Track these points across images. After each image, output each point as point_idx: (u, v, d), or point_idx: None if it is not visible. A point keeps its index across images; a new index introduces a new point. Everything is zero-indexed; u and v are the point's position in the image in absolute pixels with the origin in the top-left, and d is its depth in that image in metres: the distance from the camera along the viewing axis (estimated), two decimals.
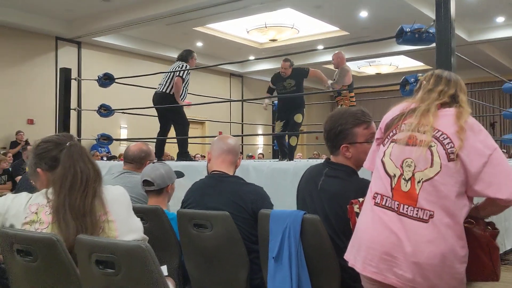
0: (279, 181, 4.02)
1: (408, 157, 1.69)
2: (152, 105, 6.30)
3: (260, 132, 13.92)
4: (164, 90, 5.99)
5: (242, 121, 14.24)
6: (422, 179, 1.65)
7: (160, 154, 6.23)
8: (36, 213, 1.65)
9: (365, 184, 1.99)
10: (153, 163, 2.76)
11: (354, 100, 6.82)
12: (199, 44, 12.64)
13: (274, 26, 10.75)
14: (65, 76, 6.56)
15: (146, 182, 2.62)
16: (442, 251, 1.60)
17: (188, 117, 6.26)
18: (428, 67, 13.92)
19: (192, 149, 11.32)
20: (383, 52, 12.60)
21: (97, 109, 6.40)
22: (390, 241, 1.64)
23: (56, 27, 10.79)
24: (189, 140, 7.74)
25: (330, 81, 6.82)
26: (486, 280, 1.86)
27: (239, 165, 2.53)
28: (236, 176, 2.43)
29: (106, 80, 6.38)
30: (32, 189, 1.80)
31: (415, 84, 3.92)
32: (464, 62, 4.26)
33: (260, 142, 14.49)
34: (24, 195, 1.73)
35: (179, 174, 2.82)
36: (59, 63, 10.98)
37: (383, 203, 1.70)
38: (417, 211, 1.63)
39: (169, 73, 6.04)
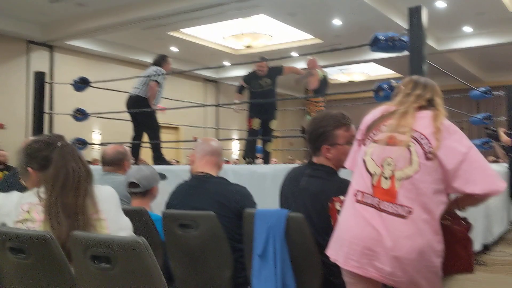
0: (259, 184, 4.10)
1: (389, 156, 1.79)
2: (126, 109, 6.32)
3: (235, 137, 13.97)
4: (138, 94, 5.98)
5: (218, 127, 14.27)
6: (401, 177, 1.75)
7: (135, 158, 6.23)
8: (28, 211, 1.68)
9: (345, 183, 2.09)
10: (138, 164, 2.79)
11: (321, 105, 6.92)
12: (174, 49, 12.64)
13: (250, 33, 10.84)
14: (39, 80, 6.51)
15: (131, 184, 2.65)
16: (420, 246, 1.70)
17: (162, 123, 6.28)
18: (399, 74, 14.24)
19: (166, 154, 11.31)
20: (355, 59, 12.85)
21: (72, 113, 6.37)
22: (371, 236, 1.73)
23: (28, 31, 10.64)
24: (164, 145, 7.75)
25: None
26: (462, 272, 1.97)
27: (222, 166, 2.59)
28: (220, 176, 2.49)
29: (81, 84, 6.36)
30: (12, 189, 1.83)
31: (389, 90, 4.07)
32: (434, 70, 4.42)
33: (236, 148, 14.53)
34: (15, 194, 1.75)
35: (162, 176, 2.86)
36: (31, 67, 10.82)
37: (364, 200, 1.79)
38: (397, 207, 1.73)
39: (144, 77, 6.05)
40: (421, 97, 1.91)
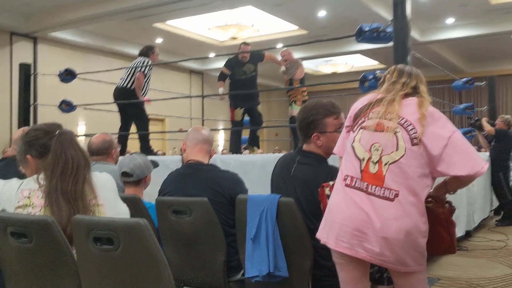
0: (247, 173, 4.16)
1: (376, 142, 1.87)
2: (113, 101, 6.32)
3: (221, 127, 14.00)
4: (124, 85, 5.99)
5: (203, 117, 14.29)
6: (388, 161, 1.83)
7: (123, 150, 6.25)
8: (28, 197, 1.73)
9: (334, 170, 2.17)
10: (130, 154, 2.83)
11: (306, 94, 7.00)
12: (159, 40, 12.59)
13: (235, 24, 10.85)
14: (24, 72, 6.49)
15: (124, 174, 2.69)
16: (407, 227, 1.79)
17: (148, 114, 6.30)
18: (383, 65, 14.39)
19: (154, 145, 11.31)
20: (340, 51, 12.94)
21: (58, 104, 6.36)
22: (361, 218, 1.82)
23: (11, 22, 10.49)
24: (151, 137, 7.76)
25: (283, 68, 6.94)
26: (445, 253, 2.08)
27: (213, 154, 2.65)
28: (211, 164, 2.55)
29: (67, 75, 6.34)
30: (6, 176, 1.87)
31: (374, 80, 4.16)
32: (417, 61, 4.51)
33: (222, 138, 14.57)
34: (14, 181, 1.80)
35: (154, 164, 2.91)
36: (14, 58, 10.70)
37: (353, 184, 1.88)
38: (384, 190, 1.81)
39: (131, 68, 6.05)
40: (407, 84, 1.99)
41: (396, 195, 1.80)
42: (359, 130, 1.95)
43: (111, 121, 10.67)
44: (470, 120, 7.47)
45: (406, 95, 1.97)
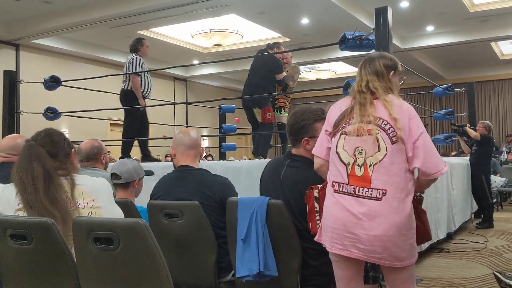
0: (233, 178, 4.23)
1: (359, 145, 1.98)
2: (93, 109, 6.38)
3: (205, 134, 14.03)
4: (125, 88, 6.05)
5: (187, 124, 14.31)
6: (373, 162, 1.94)
7: (127, 152, 6.23)
8: None
9: None
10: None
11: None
12: None
13: (219, 31, 10.93)
14: (9, 79, 6.47)
15: (114, 175, 2.75)
16: (396, 222, 1.90)
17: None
18: None
19: (137, 153, 11.30)
20: (323, 58, 13.10)
21: (43, 112, 6.35)
22: (350, 220, 1.92)
23: None
24: (135, 144, 7.76)
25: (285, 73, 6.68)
26: (423, 242, 2.18)
27: (203, 154, 2.71)
28: (202, 168, 2.61)
29: (52, 82, 6.34)
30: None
31: None
32: None
33: (206, 145, 14.60)
34: (13, 185, 1.84)
35: (149, 172, 2.96)
36: None
37: (341, 189, 1.98)
38: (371, 191, 1.91)
39: (126, 69, 6.07)
40: (361, 83, 2.06)
41: (384, 194, 1.90)
42: (340, 136, 2.04)
43: (94, 129, 10.68)
44: (453, 126, 7.65)
45: (369, 96, 2.03)
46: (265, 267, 2.15)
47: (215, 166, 4.66)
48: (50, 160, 1.83)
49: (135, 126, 6.17)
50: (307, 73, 15.54)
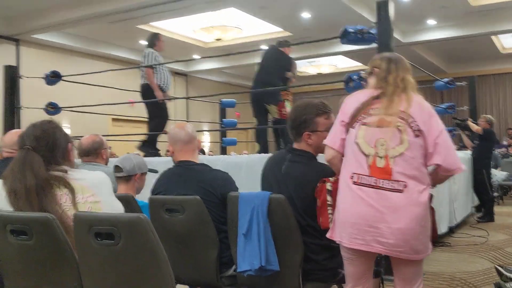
0: (234, 174, 4.23)
1: (381, 137, 1.97)
2: (94, 104, 6.35)
3: (205, 129, 14.01)
4: (143, 82, 6.06)
5: (187, 119, 14.29)
6: (394, 155, 1.94)
7: (155, 149, 6.19)
8: None
9: (324, 167, 2.25)
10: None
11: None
12: (143, 42, 12.54)
13: (219, 26, 10.89)
14: (10, 74, 6.46)
15: (116, 168, 2.75)
16: (417, 216, 1.91)
17: (132, 116, 6.29)
18: (366, 66, 14.49)
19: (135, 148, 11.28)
20: (324, 52, 13.06)
21: (44, 107, 6.34)
22: (372, 213, 1.91)
23: None
24: (135, 138, 7.73)
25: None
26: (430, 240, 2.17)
27: (200, 146, 2.70)
28: (202, 163, 2.60)
29: (53, 78, 6.34)
30: None
31: (358, 81, 4.25)
32: None
33: (207, 140, 14.59)
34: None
35: (153, 170, 2.96)
36: None
37: (361, 181, 1.97)
38: (393, 183, 1.92)
39: (144, 64, 6.07)
40: (397, 78, 2.09)
41: (405, 186, 1.91)
42: (360, 127, 2.03)
43: (96, 124, 10.67)
44: (455, 120, 7.64)
45: (399, 89, 2.06)
46: (266, 261, 2.14)
47: (215, 161, 4.65)
48: (44, 170, 1.78)
49: (163, 114, 6.14)
50: (308, 67, 15.50)
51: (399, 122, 1.97)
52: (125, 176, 2.76)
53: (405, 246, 1.90)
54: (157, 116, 6.12)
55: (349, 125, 2.07)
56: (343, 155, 2.10)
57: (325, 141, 2.17)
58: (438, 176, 2.06)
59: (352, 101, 2.12)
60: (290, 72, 5.98)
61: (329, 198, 2.11)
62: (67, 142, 1.95)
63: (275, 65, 5.83)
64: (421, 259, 2.00)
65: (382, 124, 1.98)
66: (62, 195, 1.75)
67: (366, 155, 1.98)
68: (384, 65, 2.15)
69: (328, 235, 2.09)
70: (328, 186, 2.12)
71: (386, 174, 1.93)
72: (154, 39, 6.22)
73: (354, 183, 1.98)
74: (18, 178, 1.74)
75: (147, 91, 6.01)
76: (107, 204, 1.84)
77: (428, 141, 1.96)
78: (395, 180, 1.92)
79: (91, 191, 1.80)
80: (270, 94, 5.66)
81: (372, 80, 2.17)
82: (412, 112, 1.98)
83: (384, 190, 1.92)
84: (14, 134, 2.87)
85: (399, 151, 1.94)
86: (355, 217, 1.95)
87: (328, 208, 2.12)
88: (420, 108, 2.01)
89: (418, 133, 1.96)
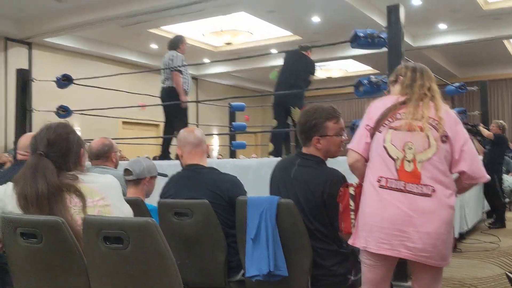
0: (242, 176, 4.23)
1: (409, 141, 1.98)
2: (105, 107, 6.36)
3: (215, 132, 14.04)
4: (168, 85, 6.01)
5: (197, 123, 14.33)
6: (422, 159, 1.95)
7: (166, 152, 6.21)
8: None
9: (333, 172, 2.25)
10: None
11: None
12: (154, 46, 12.66)
13: (230, 30, 10.92)
14: (22, 77, 6.52)
15: (126, 171, 2.77)
16: (445, 220, 1.91)
17: (142, 120, 6.28)
18: (376, 70, 14.50)
19: (148, 151, 11.33)
20: (334, 56, 13.03)
21: (55, 110, 6.39)
22: (400, 217, 1.91)
23: (6, 27, 10.53)
24: (145, 141, 7.77)
25: None
26: None
27: (208, 150, 2.70)
28: (210, 167, 2.61)
29: (64, 81, 6.39)
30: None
31: (369, 85, 4.23)
32: None
33: (216, 143, 14.61)
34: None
35: (163, 174, 2.97)
36: (9, 64, 10.74)
37: (389, 185, 1.97)
38: (421, 187, 1.92)
39: (164, 67, 6.07)
40: (423, 87, 2.11)
41: (433, 191, 1.91)
42: (387, 131, 2.04)
43: (106, 126, 10.73)
44: (466, 126, 7.58)
45: (426, 96, 2.09)
46: (275, 267, 2.13)
47: (224, 164, 4.66)
48: (56, 177, 1.77)
49: (187, 116, 6.17)
50: (318, 71, 15.47)
51: (427, 127, 1.99)
52: (134, 180, 2.76)
53: (433, 251, 1.89)
54: (185, 116, 6.11)
55: (374, 129, 2.08)
56: (366, 160, 2.11)
57: (349, 145, 2.17)
58: (462, 184, 2.06)
59: (378, 106, 2.13)
60: (314, 75, 6.02)
61: (351, 203, 2.10)
62: (80, 147, 1.94)
63: (300, 68, 5.87)
64: (444, 266, 1.99)
65: (411, 128, 2.00)
66: (72, 199, 1.76)
67: (394, 159, 1.99)
68: (409, 73, 2.17)
69: (350, 242, 2.08)
70: (351, 190, 2.11)
71: (415, 178, 1.93)
72: (179, 42, 6.21)
73: (382, 186, 1.98)
74: (30, 184, 1.74)
75: (171, 94, 5.96)
76: (117, 208, 1.84)
77: (455, 148, 1.98)
78: (423, 184, 1.92)
79: (101, 195, 1.81)
80: (296, 96, 5.70)
81: (396, 88, 2.20)
82: (441, 119, 2.00)
83: (413, 194, 1.92)
84: (29, 137, 2.89)
85: (427, 156, 1.95)
86: (383, 220, 1.94)
87: (351, 213, 2.11)
88: (448, 115, 2.04)
89: (445, 139, 1.98)
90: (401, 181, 1.94)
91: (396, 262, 2.06)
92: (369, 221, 1.98)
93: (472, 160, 1.99)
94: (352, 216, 2.10)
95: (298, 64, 5.89)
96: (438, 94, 2.11)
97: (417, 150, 1.96)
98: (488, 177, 2.05)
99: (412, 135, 1.98)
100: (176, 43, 6.20)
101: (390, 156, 1.99)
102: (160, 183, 2.92)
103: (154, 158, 7.31)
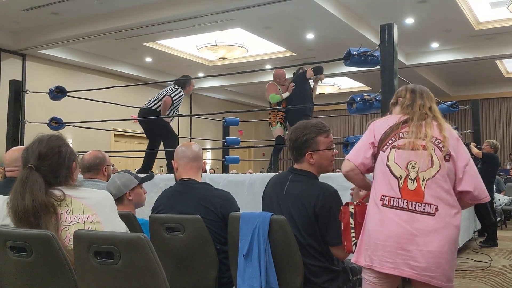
0: (235, 192, 4.22)
1: (412, 160, 1.99)
2: (98, 119, 6.33)
3: (208, 146, 14.03)
4: (150, 106, 5.97)
5: (191, 136, 14.32)
6: (426, 177, 1.96)
7: (148, 169, 6.20)
8: None
9: (325, 186, 2.26)
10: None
11: None
12: (148, 59, 12.69)
13: (224, 45, 10.98)
14: (15, 89, 6.50)
15: None
16: (449, 239, 1.90)
17: (136, 133, 6.25)
18: (369, 88, 14.61)
19: (140, 164, 11.27)
20: (327, 73, 13.09)
21: (48, 122, 6.37)
22: (403, 236, 1.91)
23: (0, 39, 10.53)
24: (138, 155, 7.72)
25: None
26: None
27: (204, 167, 2.70)
28: (204, 182, 2.60)
29: (58, 93, 6.36)
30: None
31: (361, 103, 4.26)
32: (403, 84, 4.62)
33: (209, 157, 14.59)
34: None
35: (147, 178, 2.94)
36: (2, 75, 10.71)
37: (392, 204, 1.97)
38: (425, 206, 1.92)
39: (161, 93, 6.07)
40: (424, 107, 2.14)
41: (437, 209, 1.92)
42: (390, 149, 2.05)
43: (98, 139, 10.70)
44: None
45: (427, 115, 2.11)
46: (266, 283, 2.12)
47: (217, 179, 4.64)
48: (43, 192, 1.75)
49: (176, 137, 6.18)
50: None
51: (431, 146, 2.00)
52: (116, 199, 2.74)
53: (437, 271, 1.88)
54: (172, 134, 6.10)
55: (378, 148, 2.09)
56: (362, 172, 2.12)
57: (347, 156, 2.18)
58: (463, 203, 2.06)
59: (381, 124, 2.15)
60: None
61: (352, 221, 2.10)
62: (72, 161, 1.91)
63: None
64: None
65: (414, 147, 2.01)
66: (62, 214, 1.74)
67: (397, 178, 1.99)
68: (408, 95, 2.21)
69: (353, 260, 2.08)
70: (351, 208, 2.12)
71: (418, 197, 1.94)
72: (186, 83, 6.24)
73: (384, 205, 1.98)
74: (19, 199, 1.73)
75: (151, 114, 5.92)
76: (109, 225, 1.80)
77: (458, 167, 2.00)
78: (426, 203, 1.93)
79: (92, 211, 1.77)
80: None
81: (397, 109, 2.23)
82: (445, 138, 2.02)
83: (416, 213, 1.92)
84: (14, 151, 2.88)
85: (430, 174, 1.96)
86: (387, 239, 1.94)
87: (352, 231, 2.11)
88: (450, 134, 2.06)
89: (448, 157, 2.00)
90: (404, 200, 1.95)
91: (398, 281, 2.06)
92: (373, 240, 1.98)
93: (476, 180, 2.02)
94: (353, 235, 2.10)
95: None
96: (439, 114, 2.14)
97: (421, 168, 1.97)
98: (489, 197, 2.07)
99: (415, 154, 1.99)
100: (183, 83, 6.23)
101: (393, 174, 2.00)
102: (150, 195, 2.89)
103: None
